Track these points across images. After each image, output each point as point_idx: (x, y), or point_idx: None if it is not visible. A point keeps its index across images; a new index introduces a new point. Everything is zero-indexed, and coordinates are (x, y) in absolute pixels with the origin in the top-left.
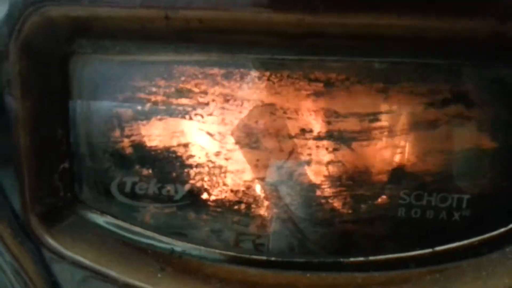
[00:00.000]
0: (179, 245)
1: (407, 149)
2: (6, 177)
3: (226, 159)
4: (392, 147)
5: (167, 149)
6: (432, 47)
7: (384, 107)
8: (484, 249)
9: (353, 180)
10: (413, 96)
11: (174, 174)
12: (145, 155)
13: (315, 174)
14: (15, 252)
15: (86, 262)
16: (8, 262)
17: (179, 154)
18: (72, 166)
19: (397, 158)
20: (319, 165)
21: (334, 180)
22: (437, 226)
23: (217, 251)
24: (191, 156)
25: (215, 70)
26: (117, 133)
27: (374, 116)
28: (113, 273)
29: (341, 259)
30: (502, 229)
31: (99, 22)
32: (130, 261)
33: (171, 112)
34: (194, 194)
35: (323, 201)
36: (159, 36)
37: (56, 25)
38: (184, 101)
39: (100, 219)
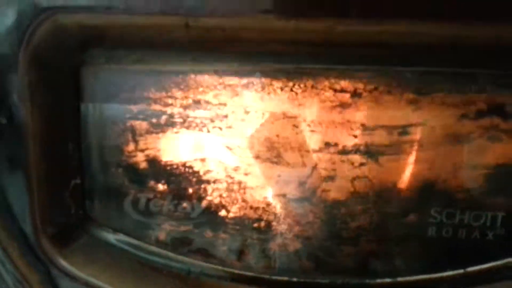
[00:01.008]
0: (196, 265)
1: (438, 164)
2: (14, 194)
3: (246, 174)
4: (423, 161)
5: (184, 164)
6: (468, 56)
7: (414, 119)
8: None
9: (381, 197)
10: (446, 107)
11: (190, 190)
12: (160, 170)
13: (340, 190)
14: (25, 273)
15: (99, 283)
16: (17, 282)
17: (196, 169)
18: (83, 182)
19: (427, 174)
20: (344, 181)
21: (360, 197)
22: (469, 246)
23: (236, 271)
24: (209, 171)
25: (235, 80)
26: (131, 147)
27: (404, 129)
28: None
29: (367, 281)
30: None
31: (115, 31)
32: (145, 282)
33: (188, 125)
34: (211, 211)
35: (348, 219)
36: (178, 45)
37: (68, 33)
38: (201, 113)
39: (113, 238)
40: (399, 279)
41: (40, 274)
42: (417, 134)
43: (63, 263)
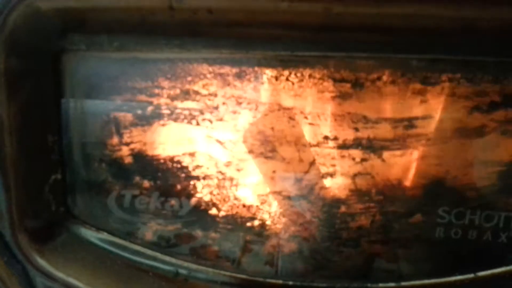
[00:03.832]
0: (184, 267)
1: (447, 160)
2: None
3: (238, 170)
4: (430, 157)
5: (171, 159)
6: (481, 41)
7: (421, 111)
8: None
9: (384, 195)
10: (456, 99)
11: (178, 187)
12: (146, 165)
13: (339, 187)
14: (2, 276)
15: (80, 285)
16: None
17: (184, 164)
18: (64, 177)
19: (435, 171)
20: (344, 177)
21: (362, 194)
22: (480, 249)
23: (227, 273)
24: (198, 166)
25: (226, 69)
26: (114, 140)
27: (410, 122)
28: None
29: (369, 285)
30: None
31: (94, 14)
32: (130, 284)
33: (176, 117)
34: (201, 210)
35: (348, 218)
36: (162, 29)
37: (45, 18)
38: (190, 104)
39: (96, 237)
40: (404, 283)
41: (17, 276)
42: (424, 127)
43: (41, 262)
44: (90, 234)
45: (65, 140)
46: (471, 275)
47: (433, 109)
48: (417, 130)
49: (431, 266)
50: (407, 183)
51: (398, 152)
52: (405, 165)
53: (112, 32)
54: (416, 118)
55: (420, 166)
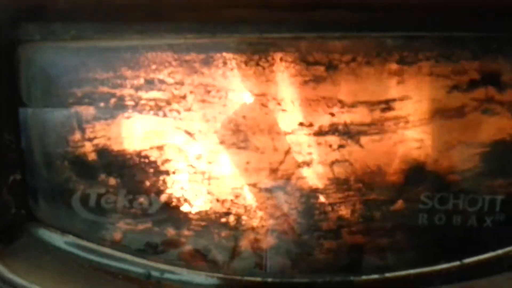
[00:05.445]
0: (157, 268)
1: (427, 143)
2: None
3: (210, 162)
4: (410, 141)
5: (138, 153)
6: (459, 16)
7: (398, 92)
8: None
9: (363, 183)
10: (434, 78)
11: (147, 183)
12: (111, 162)
13: (317, 176)
14: None
15: None
16: None
17: (152, 158)
18: (24, 177)
19: (415, 155)
20: (322, 165)
21: (341, 183)
22: (465, 234)
23: (202, 273)
24: (167, 160)
25: (193, 56)
26: (77, 136)
27: (387, 104)
28: None
29: (351, 278)
30: None
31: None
32: None
33: (141, 108)
34: (172, 206)
35: (328, 208)
36: (122, 14)
37: None
38: (156, 94)
39: (61, 240)
40: (387, 274)
41: None
42: (402, 110)
43: (0, 268)
44: (54, 238)
45: (24, 138)
46: (457, 263)
47: (411, 89)
48: (395, 112)
49: (415, 255)
50: (387, 169)
51: (376, 137)
52: (384, 150)
53: (68, 19)
54: (394, 100)
55: (399, 151)
